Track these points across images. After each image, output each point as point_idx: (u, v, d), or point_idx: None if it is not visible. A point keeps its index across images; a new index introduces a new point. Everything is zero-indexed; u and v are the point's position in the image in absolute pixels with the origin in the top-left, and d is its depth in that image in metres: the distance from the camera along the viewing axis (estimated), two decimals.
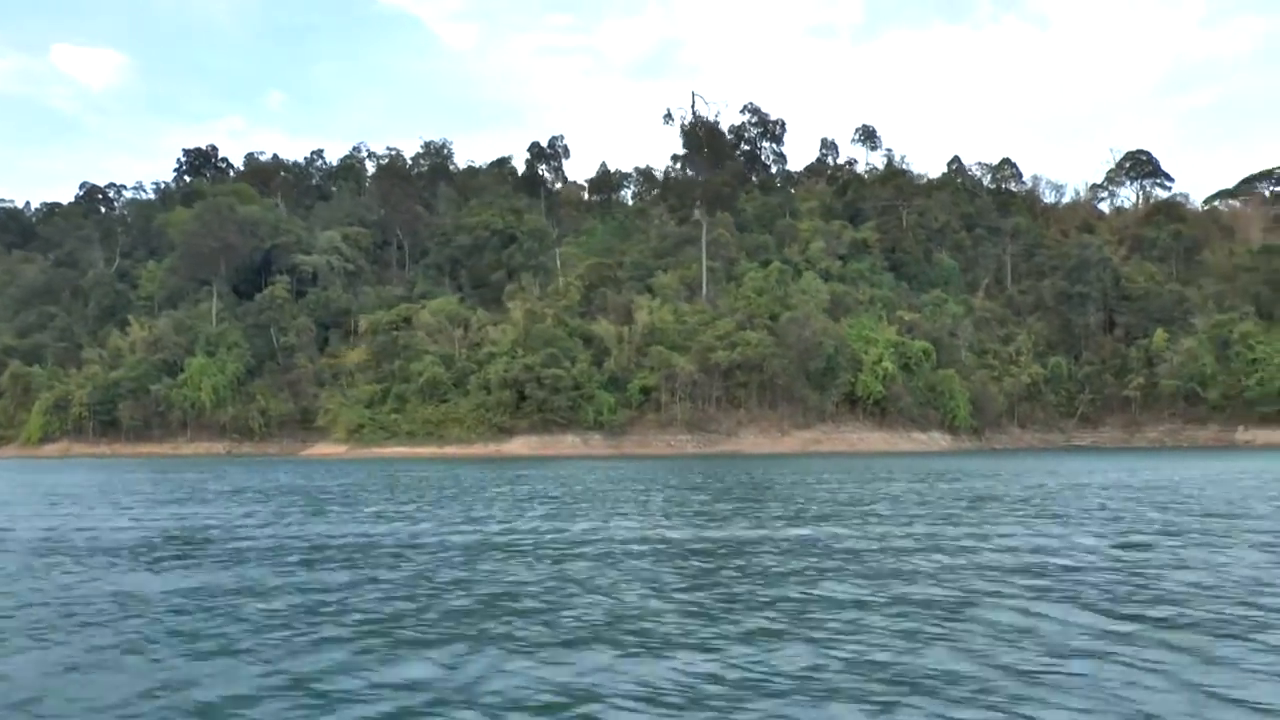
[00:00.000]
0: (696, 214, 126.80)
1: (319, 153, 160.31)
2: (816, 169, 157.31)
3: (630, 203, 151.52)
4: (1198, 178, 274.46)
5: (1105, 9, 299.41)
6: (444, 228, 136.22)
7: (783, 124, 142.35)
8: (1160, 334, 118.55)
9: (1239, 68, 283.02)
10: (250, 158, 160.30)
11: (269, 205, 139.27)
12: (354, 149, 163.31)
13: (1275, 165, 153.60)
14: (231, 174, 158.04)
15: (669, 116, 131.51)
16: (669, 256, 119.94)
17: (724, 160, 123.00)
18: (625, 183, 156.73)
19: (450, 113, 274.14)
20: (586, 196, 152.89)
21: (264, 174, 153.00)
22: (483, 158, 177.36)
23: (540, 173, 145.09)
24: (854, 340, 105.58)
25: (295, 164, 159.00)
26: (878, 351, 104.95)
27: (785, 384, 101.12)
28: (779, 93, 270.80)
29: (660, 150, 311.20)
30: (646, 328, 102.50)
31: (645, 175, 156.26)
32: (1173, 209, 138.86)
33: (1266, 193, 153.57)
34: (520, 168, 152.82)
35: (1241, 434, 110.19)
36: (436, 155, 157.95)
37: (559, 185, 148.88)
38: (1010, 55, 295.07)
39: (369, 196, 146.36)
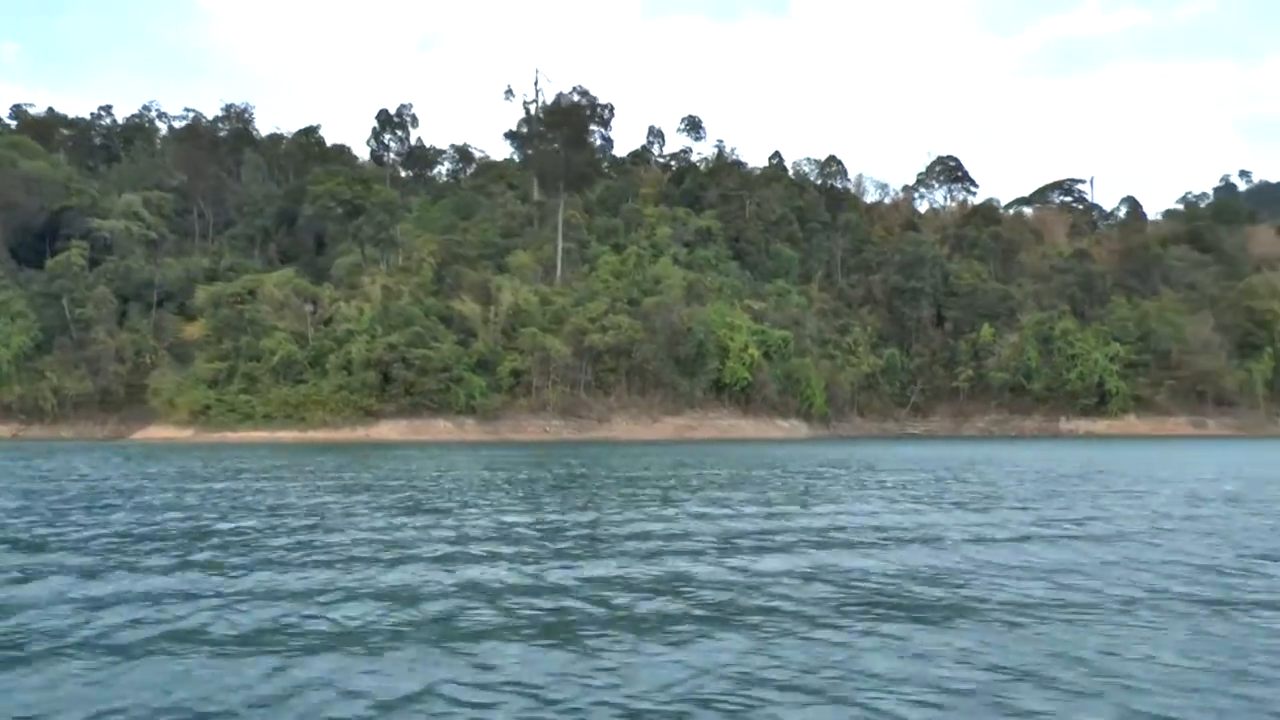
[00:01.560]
0: (537, 193, 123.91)
1: (106, 109, 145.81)
2: (642, 156, 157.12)
3: (451, 180, 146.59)
4: (1006, 184, 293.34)
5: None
6: (253, 196, 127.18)
7: (611, 108, 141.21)
8: (987, 329, 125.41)
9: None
10: (19, 110, 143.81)
11: (55, 162, 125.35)
12: (143, 107, 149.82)
13: (1066, 177, 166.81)
14: None
15: (510, 93, 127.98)
16: (517, 236, 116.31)
17: (578, 140, 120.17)
18: (440, 159, 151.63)
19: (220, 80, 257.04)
20: (403, 173, 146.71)
21: (40, 128, 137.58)
22: (287, 126, 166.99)
23: (386, 142, 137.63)
24: (719, 328, 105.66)
25: (78, 119, 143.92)
26: (743, 339, 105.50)
27: (655, 370, 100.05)
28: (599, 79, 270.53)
29: (490, 128, 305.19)
30: (511, 309, 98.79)
31: (462, 152, 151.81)
32: (989, 212, 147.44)
33: (1056, 202, 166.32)
34: (329, 139, 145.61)
35: (1065, 424, 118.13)
36: (238, 120, 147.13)
37: (398, 159, 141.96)
38: (831, 49, 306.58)
39: (167, 160, 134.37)
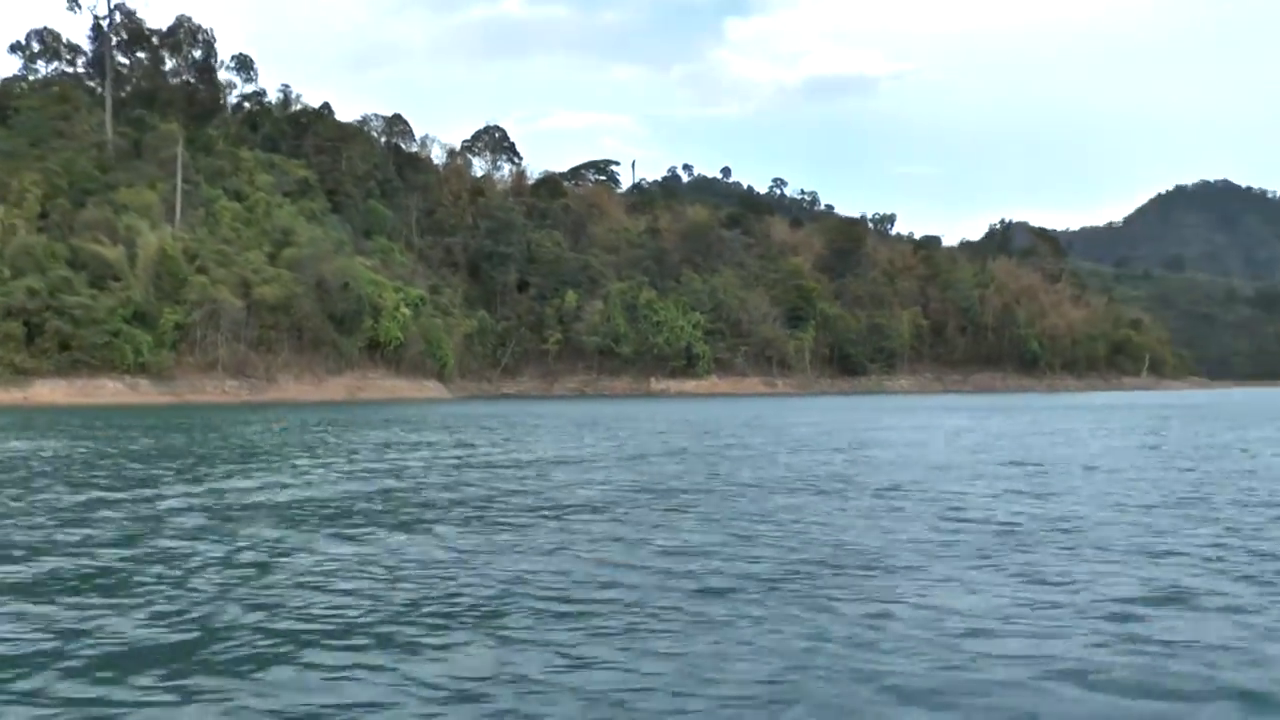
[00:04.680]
0: (113, 123, 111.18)
1: None
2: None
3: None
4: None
5: None
6: None
7: (212, 32, 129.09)
8: (571, 295, 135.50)
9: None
10: None
11: None
12: None
13: (602, 159, 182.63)
14: None
15: (76, 4, 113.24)
16: (115, 171, 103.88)
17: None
18: None
19: None
20: None
21: None
22: None
23: None
24: (367, 285, 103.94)
25: None
26: (395, 297, 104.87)
27: (314, 328, 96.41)
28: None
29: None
30: (158, 253, 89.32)
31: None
32: (554, 185, 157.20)
33: (593, 179, 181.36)
34: None
35: (655, 384, 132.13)
36: None
37: None
38: None
39: None
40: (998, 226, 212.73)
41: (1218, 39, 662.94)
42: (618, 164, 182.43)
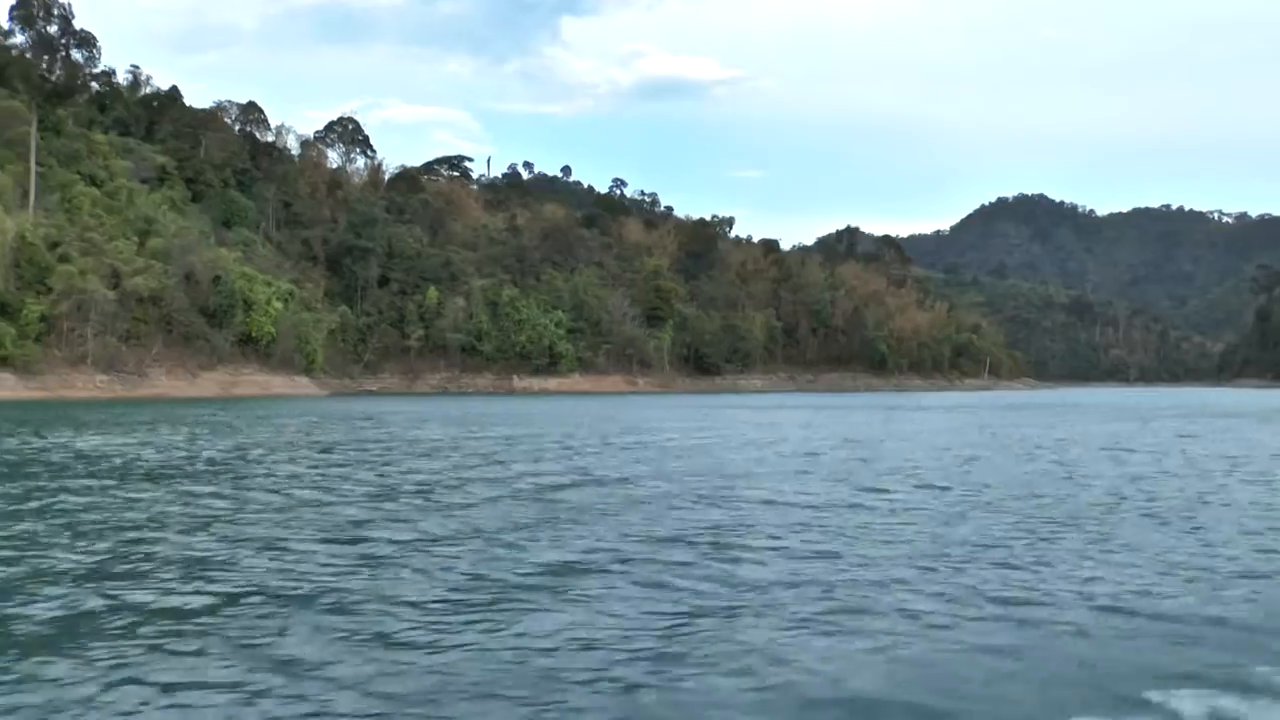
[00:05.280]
0: None
1: None
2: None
3: None
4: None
5: None
6: None
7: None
8: (432, 292, 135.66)
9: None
10: None
11: None
12: None
13: (454, 154, 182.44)
14: None
15: None
16: None
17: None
18: None
19: None
20: None
21: None
22: None
23: None
24: (238, 278, 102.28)
25: None
26: (266, 290, 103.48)
27: (185, 321, 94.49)
28: None
29: None
30: (16, 240, 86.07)
31: None
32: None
33: (446, 174, 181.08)
34: None
35: (518, 382, 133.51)
36: None
37: None
38: None
39: None
40: (843, 231, 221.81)
41: (1039, 61, 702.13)
42: (471, 160, 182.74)
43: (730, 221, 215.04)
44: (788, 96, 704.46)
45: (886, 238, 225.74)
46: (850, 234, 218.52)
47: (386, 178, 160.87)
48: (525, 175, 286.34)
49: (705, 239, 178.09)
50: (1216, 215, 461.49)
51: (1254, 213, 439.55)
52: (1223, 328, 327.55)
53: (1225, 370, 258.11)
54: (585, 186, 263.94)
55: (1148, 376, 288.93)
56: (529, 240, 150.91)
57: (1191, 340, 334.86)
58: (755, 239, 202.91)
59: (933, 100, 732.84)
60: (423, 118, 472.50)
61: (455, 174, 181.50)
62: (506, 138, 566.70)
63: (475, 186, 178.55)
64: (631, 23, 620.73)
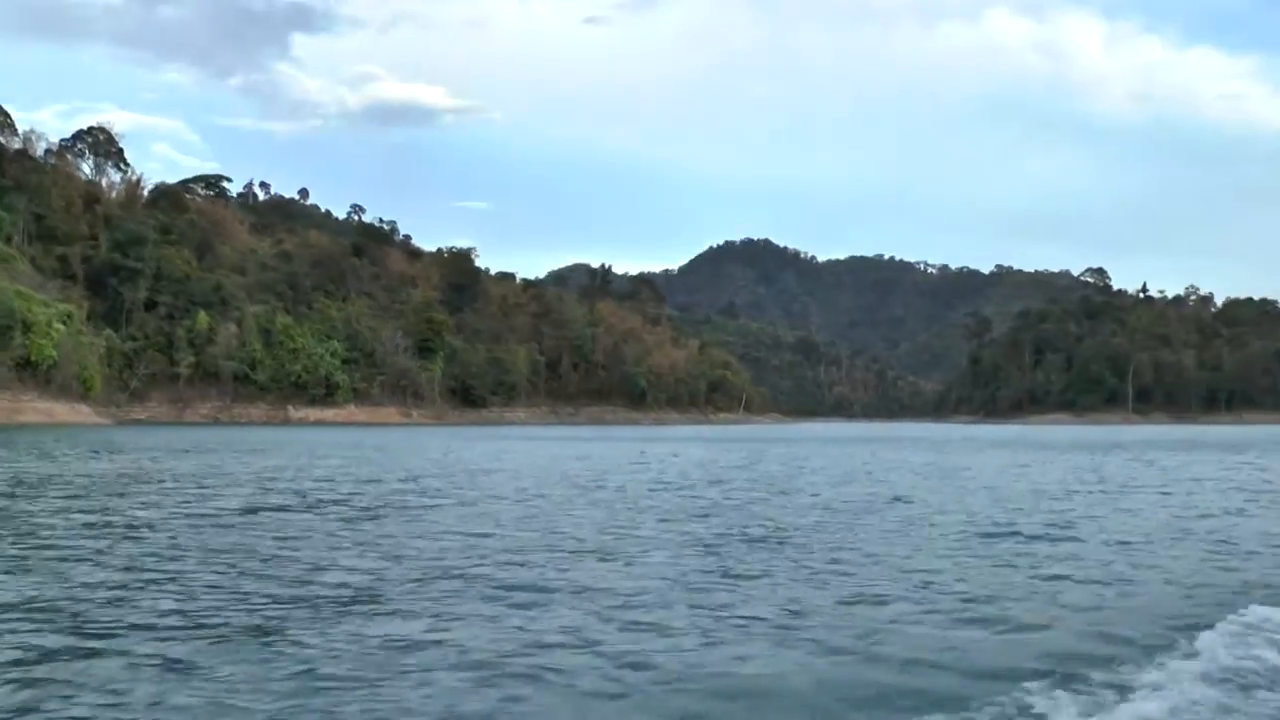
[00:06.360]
0: None
1: None
2: None
3: None
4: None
5: None
6: None
7: None
8: (203, 316, 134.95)
9: None
10: None
11: None
12: None
13: (213, 173, 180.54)
14: None
15: None
16: None
17: None
18: None
19: None
20: None
21: None
22: None
23: None
24: (15, 297, 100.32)
25: None
26: (46, 311, 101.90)
27: None
28: None
29: None
30: None
31: None
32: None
33: (200, 192, 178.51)
34: None
35: (294, 412, 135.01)
36: None
37: None
38: None
39: None
40: (596, 270, 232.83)
41: (755, 115, 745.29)
42: (230, 179, 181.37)
43: (469, 252, 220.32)
44: (516, 130, 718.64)
45: (640, 277, 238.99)
46: (604, 272, 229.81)
47: (145, 194, 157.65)
48: (262, 196, 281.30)
49: (467, 272, 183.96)
50: (923, 265, 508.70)
51: (954, 265, 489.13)
52: (931, 369, 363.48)
53: (942, 407, 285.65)
54: (323, 210, 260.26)
55: (869, 412, 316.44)
56: (299, 266, 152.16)
57: (906, 379, 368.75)
58: (492, 272, 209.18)
59: (660, 143, 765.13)
60: (141, 126, 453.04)
61: (213, 193, 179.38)
62: (229, 154, 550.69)
63: (237, 208, 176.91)
64: (364, 44, 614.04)
